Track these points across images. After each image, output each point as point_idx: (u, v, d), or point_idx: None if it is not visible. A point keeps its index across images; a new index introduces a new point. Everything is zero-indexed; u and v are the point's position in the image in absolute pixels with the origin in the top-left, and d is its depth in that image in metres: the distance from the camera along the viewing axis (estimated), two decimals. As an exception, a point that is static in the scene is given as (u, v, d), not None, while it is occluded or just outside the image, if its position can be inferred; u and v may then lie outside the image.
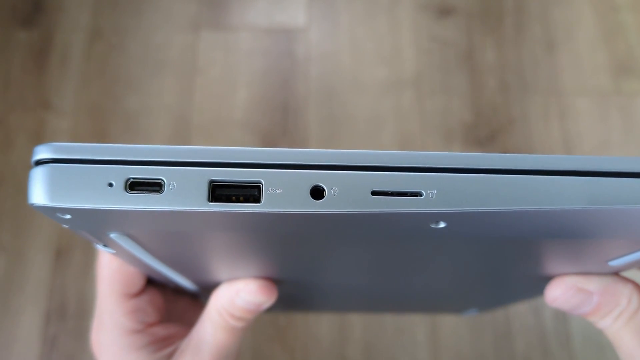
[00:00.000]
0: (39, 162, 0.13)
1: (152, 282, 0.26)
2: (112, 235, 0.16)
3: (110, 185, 0.13)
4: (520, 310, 0.57)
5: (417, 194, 0.13)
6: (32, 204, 0.13)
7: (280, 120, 0.64)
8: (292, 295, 0.29)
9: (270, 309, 0.23)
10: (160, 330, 0.25)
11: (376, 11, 0.70)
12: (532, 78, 0.67)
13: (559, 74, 0.67)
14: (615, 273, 0.21)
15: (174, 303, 0.28)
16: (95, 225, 0.15)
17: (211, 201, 0.13)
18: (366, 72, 0.67)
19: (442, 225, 0.14)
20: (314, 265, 0.21)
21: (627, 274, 0.21)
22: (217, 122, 0.64)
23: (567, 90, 0.66)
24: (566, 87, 0.66)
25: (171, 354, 0.24)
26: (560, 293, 0.21)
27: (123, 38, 0.68)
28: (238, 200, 0.13)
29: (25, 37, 0.67)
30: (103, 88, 0.66)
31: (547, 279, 0.21)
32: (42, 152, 0.13)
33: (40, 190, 0.13)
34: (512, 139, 0.64)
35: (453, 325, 0.56)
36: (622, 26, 0.69)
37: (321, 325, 0.56)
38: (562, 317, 0.56)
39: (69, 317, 0.56)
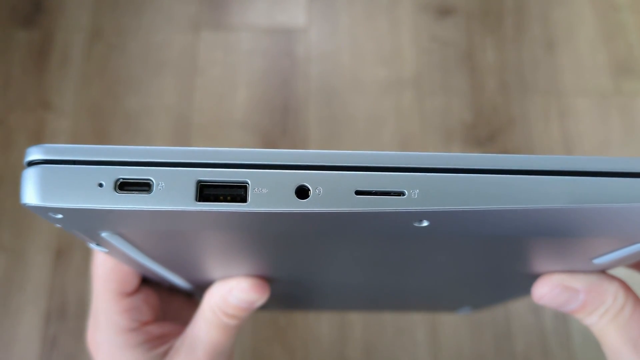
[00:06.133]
0: (31, 163, 0.14)
1: (147, 281, 0.26)
2: (104, 235, 0.16)
3: (101, 185, 0.13)
4: (520, 310, 0.57)
5: (400, 194, 0.13)
6: (25, 204, 0.14)
7: (280, 120, 0.65)
8: (286, 293, 0.29)
9: (268, 308, 0.23)
10: (155, 329, 0.25)
11: (376, 11, 0.70)
12: (532, 78, 0.67)
13: (559, 74, 0.67)
14: (602, 271, 0.21)
15: (169, 302, 0.28)
16: (86, 224, 0.15)
17: (199, 201, 0.13)
18: (366, 72, 0.67)
19: (425, 223, 0.14)
20: (305, 263, 0.22)
21: (615, 271, 0.21)
22: (217, 122, 0.65)
23: (567, 90, 0.66)
24: (566, 87, 0.66)
25: (166, 352, 0.24)
26: (547, 291, 0.21)
27: (123, 38, 0.68)
28: (225, 200, 0.13)
29: (25, 37, 0.68)
30: (103, 88, 0.66)
31: (534, 277, 0.22)
32: (34, 153, 0.14)
33: (32, 191, 0.13)
34: (512, 139, 0.64)
35: (453, 326, 0.56)
36: (622, 26, 0.68)
37: (321, 325, 0.56)
38: (562, 317, 0.56)
39: (69, 317, 0.56)
